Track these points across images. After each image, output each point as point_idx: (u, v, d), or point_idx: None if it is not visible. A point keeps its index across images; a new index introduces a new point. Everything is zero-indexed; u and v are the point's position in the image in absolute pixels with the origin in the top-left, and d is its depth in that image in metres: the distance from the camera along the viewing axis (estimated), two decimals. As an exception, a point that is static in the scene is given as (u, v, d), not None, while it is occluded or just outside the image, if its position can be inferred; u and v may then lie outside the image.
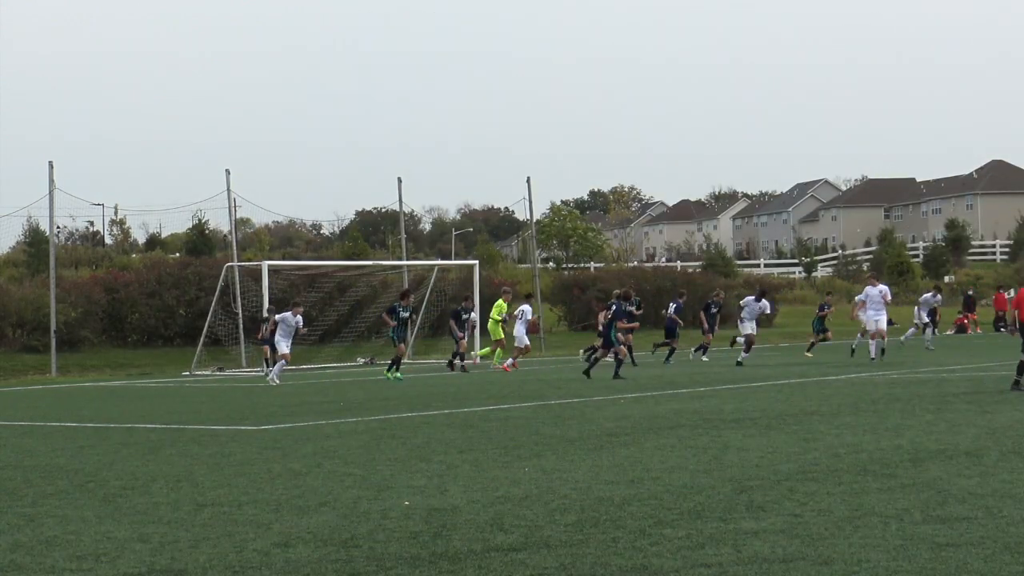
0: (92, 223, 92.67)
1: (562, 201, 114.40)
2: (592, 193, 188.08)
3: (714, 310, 38.18)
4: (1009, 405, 18.72)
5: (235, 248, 45.71)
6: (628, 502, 10.56)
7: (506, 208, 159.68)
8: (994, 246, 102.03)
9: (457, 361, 35.34)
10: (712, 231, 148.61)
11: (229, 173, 44.08)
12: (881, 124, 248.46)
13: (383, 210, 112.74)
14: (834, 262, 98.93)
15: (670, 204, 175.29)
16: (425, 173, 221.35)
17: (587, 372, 28.72)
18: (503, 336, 36.93)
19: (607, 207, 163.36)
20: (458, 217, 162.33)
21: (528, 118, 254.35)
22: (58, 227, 61.46)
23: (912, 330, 41.78)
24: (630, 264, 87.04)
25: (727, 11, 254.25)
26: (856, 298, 37.06)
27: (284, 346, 31.80)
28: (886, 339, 33.75)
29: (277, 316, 32.65)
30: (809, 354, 37.23)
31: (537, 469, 12.83)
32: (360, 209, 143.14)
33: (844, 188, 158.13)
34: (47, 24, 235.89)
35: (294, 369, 36.00)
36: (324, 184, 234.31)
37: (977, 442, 14.18)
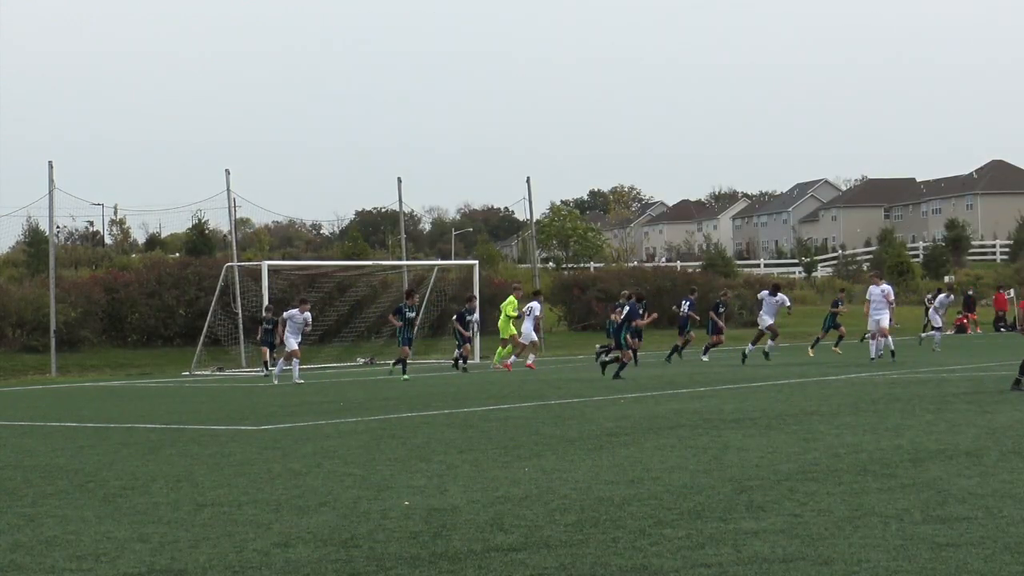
0: (92, 223, 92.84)
1: (562, 201, 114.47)
2: (592, 193, 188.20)
3: (721, 309, 38.37)
4: (1009, 405, 18.71)
5: (235, 248, 45.71)
6: (628, 502, 10.56)
7: (506, 208, 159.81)
8: (994, 246, 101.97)
9: (460, 363, 35.46)
10: (712, 231, 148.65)
11: (229, 173, 44.16)
12: (881, 124, 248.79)
13: (383, 210, 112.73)
14: (834, 262, 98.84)
15: (670, 204, 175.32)
16: (425, 173, 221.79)
17: (617, 375, 27.63)
18: (515, 333, 36.64)
19: (607, 207, 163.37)
20: (458, 217, 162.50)
21: (528, 118, 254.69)
22: (58, 227, 61.57)
23: (938, 336, 41.48)
24: (630, 264, 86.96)
25: (727, 11, 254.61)
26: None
27: (293, 343, 31.72)
28: (890, 339, 33.52)
29: (285, 314, 32.61)
30: (811, 353, 37.22)
31: (537, 469, 12.82)
32: (360, 209, 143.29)
33: (844, 188, 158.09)
34: (47, 24, 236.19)
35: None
36: (324, 184, 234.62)
37: (977, 442, 14.17)
